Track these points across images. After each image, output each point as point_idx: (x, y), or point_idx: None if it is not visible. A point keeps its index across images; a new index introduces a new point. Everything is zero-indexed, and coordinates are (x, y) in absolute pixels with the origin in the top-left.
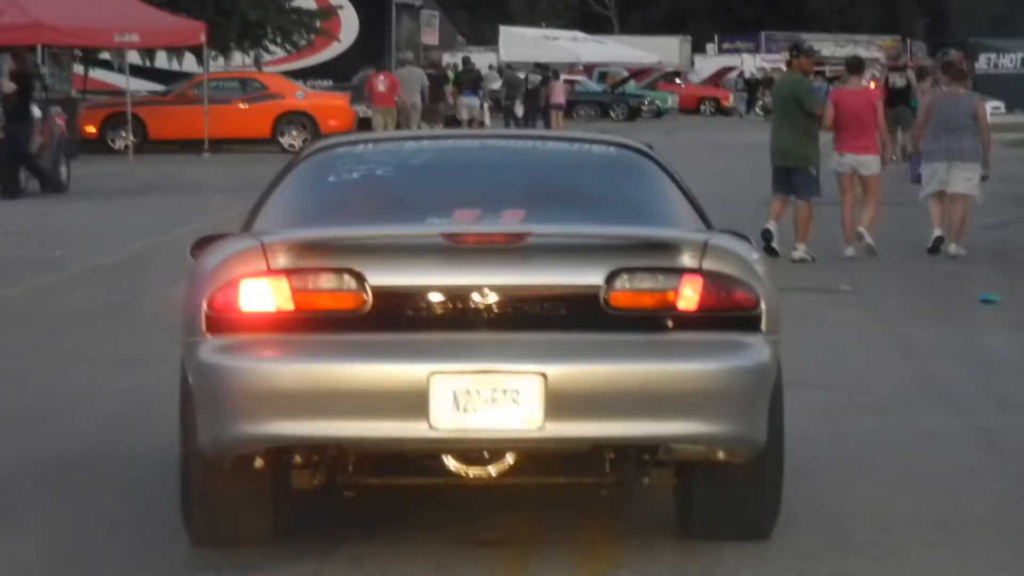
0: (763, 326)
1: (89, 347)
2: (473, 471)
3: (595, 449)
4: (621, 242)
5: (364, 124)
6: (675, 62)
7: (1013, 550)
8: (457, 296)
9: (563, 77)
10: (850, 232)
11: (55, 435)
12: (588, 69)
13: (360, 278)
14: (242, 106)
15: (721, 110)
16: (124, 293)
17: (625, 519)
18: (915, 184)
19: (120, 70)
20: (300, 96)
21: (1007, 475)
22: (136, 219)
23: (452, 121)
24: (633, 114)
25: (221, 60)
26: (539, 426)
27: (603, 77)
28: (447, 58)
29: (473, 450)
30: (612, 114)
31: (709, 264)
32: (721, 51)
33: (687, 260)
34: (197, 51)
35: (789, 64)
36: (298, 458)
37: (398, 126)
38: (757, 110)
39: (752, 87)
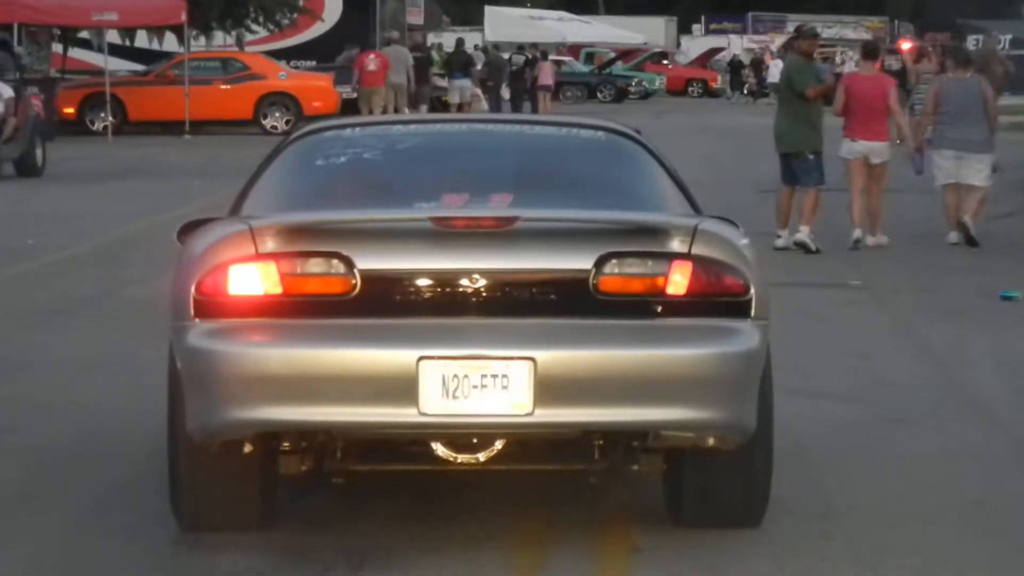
0: (752, 311)
1: (54, 348)
2: (462, 457)
3: (584, 436)
4: (610, 227)
5: (349, 105)
6: (661, 43)
7: None
8: (446, 281)
9: (551, 58)
10: (860, 220)
11: (9, 454)
12: (574, 50)
13: (348, 262)
14: (224, 87)
15: (709, 92)
16: (96, 286)
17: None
18: (918, 176)
19: (99, 49)
20: (283, 77)
21: None
22: (113, 205)
23: (439, 104)
24: (620, 95)
25: (202, 40)
26: (528, 411)
27: (590, 58)
28: (431, 38)
29: (462, 436)
30: (599, 95)
31: (698, 249)
32: (708, 32)
33: (676, 245)
34: (178, 30)
35: (790, 47)
36: (286, 444)
37: (385, 107)
38: (744, 92)
39: (735, 68)
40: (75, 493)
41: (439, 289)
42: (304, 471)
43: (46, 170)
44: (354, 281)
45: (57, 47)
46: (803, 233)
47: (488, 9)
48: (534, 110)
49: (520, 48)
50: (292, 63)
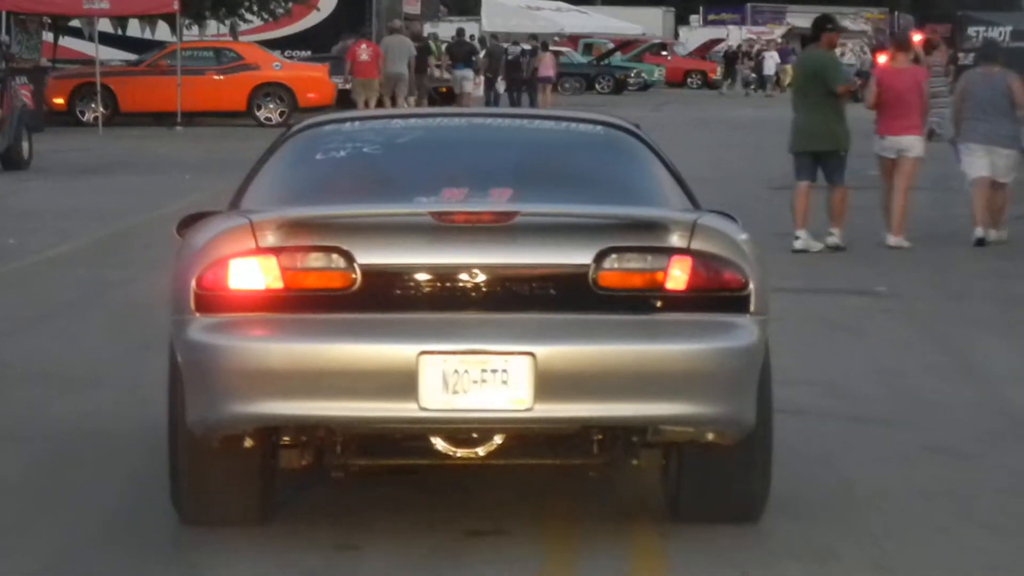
0: (752, 306)
1: (31, 360)
2: (461, 452)
3: (583, 431)
4: (610, 222)
5: (344, 96)
6: (658, 33)
7: None
8: (446, 275)
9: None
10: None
11: None
12: (573, 41)
13: (349, 257)
14: (217, 77)
15: (708, 83)
16: (78, 290)
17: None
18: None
19: (91, 38)
20: (277, 67)
21: None
22: (100, 201)
23: (436, 95)
24: (619, 87)
25: (195, 29)
26: (528, 406)
27: (588, 49)
28: (427, 28)
29: (462, 431)
30: (598, 87)
31: (698, 244)
32: (706, 23)
33: (676, 240)
34: (170, 19)
35: (814, 39)
36: (286, 438)
37: (381, 98)
38: (738, 84)
39: (730, 60)
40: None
41: (439, 284)
42: (304, 465)
43: (33, 163)
44: (354, 276)
45: (49, 36)
46: (836, 236)
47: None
48: (532, 102)
49: (515, 43)
50: (287, 53)
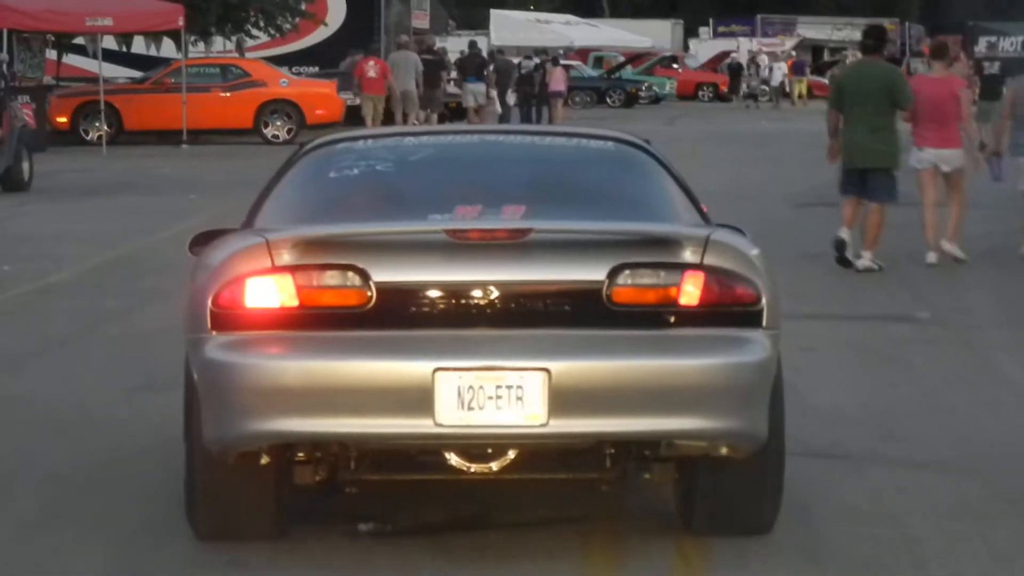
0: (764, 321)
1: (15, 405)
2: (475, 467)
3: (596, 445)
4: (623, 238)
5: (353, 112)
6: (667, 46)
7: None
8: (460, 293)
9: (561, 62)
10: (932, 237)
11: None
12: (582, 54)
13: (364, 275)
14: (223, 94)
15: (720, 96)
16: (72, 323)
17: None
18: (996, 183)
19: (95, 56)
20: (284, 83)
21: None
22: (100, 225)
23: (447, 110)
24: (630, 100)
25: (201, 45)
26: (543, 422)
27: (599, 62)
28: (436, 42)
29: (476, 446)
30: (608, 100)
31: (711, 259)
32: (716, 35)
33: (689, 256)
34: (175, 36)
35: (874, 50)
36: (300, 454)
37: (388, 113)
38: (741, 97)
39: (734, 72)
40: None
41: (454, 301)
42: (318, 481)
43: (33, 184)
44: (370, 293)
45: (53, 54)
46: (866, 259)
47: (494, 13)
48: (539, 117)
49: (528, 57)
50: (294, 69)
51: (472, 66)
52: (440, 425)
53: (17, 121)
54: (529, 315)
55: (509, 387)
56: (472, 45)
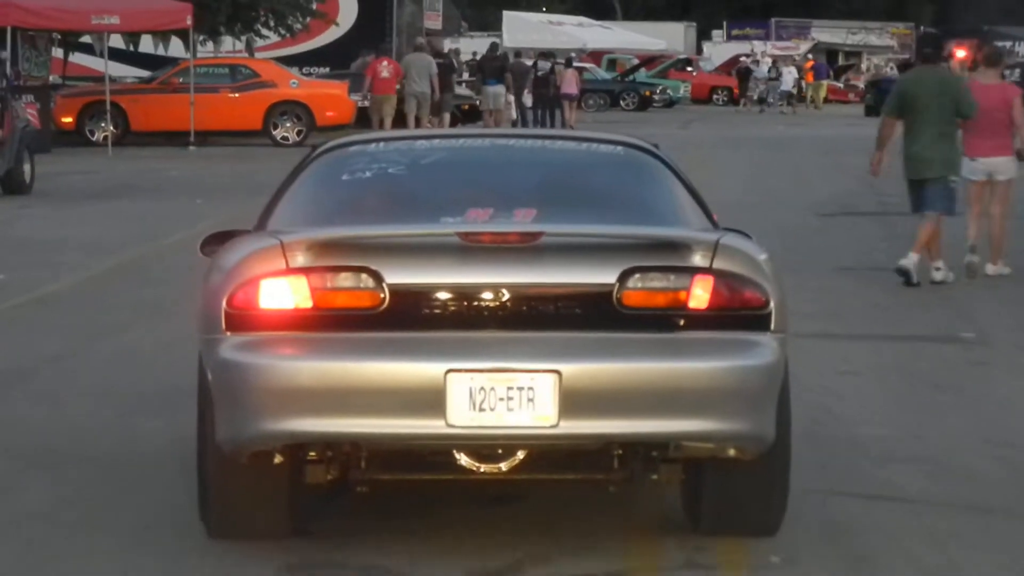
0: (772, 325)
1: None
2: (484, 467)
3: (605, 446)
4: (633, 242)
5: (364, 114)
6: (680, 49)
7: None
8: (473, 295)
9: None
10: (975, 235)
11: None
12: (596, 56)
13: (377, 277)
14: (232, 95)
15: (734, 100)
16: (66, 339)
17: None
18: None
19: (101, 55)
20: (295, 84)
21: None
22: (101, 230)
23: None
24: (644, 103)
25: (210, 45)
26: (553, 423)
27: (612, 65)
28: (448, 44)
29: (487, 447)
30: (622, 103)
31: (720, 263)
32: (729, 38)
33: (698, 259)
34: (184, 35)
35: (934, 57)
36: (312, 454)
37: (400, 114)
38: (755, 100)
39: (743, 75)
40: None
41: (466, 303)
42: (329, 480)
43: (35, 187)
44: (383, 295)
45: (59, 52)
46: (911, 260)
47: (506, 14)
48: (552, 118)
49: (544, 55)
50: (304, 70)
51: (492, 68)
52: (452, 426)
53: (19, 121)
54: (540, 317)
55: (520, 389)
56: (493, 47)
